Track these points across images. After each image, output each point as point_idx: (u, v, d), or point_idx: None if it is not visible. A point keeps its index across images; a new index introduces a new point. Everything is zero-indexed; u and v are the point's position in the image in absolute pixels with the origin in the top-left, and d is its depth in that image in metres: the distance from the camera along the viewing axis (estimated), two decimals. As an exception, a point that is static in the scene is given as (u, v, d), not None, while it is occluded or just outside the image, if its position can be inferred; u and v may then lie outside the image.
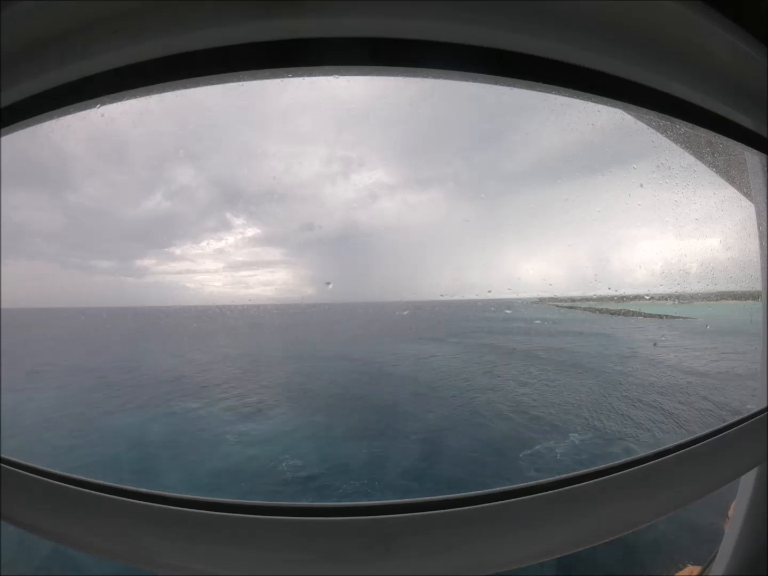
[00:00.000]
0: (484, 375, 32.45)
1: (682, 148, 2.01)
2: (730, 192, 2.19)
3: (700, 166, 2.11)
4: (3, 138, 1.17)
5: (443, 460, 18.27)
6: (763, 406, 1.72)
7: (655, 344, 41.27)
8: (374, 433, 21.32)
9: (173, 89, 1.11)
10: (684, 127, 1.42)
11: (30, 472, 1.14)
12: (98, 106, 1.13)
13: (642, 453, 1.26)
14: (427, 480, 16.07)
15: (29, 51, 0.98)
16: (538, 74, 1.10)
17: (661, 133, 1.76)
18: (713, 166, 2.11)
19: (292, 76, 1.08)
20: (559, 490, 1.10)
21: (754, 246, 1.95)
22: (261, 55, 1.00)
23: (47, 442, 19.71)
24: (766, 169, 1.76)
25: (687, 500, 1.25)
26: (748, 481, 1.84)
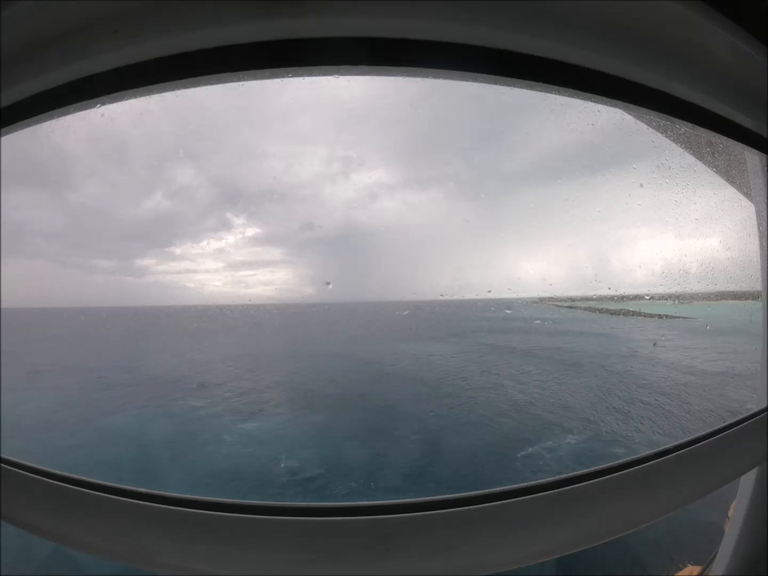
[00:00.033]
0: (482, 374, 32.45)
1: (682, 148, 2.01)
2: (730, 192, 2.19)
3: (700, 166, 2.11)
4: (3, 138, 1.17)
5: (441, 460, 18.28)
6: (763, 406, 1.72)
7: (654, 344, 41.26)
8: (373, 433, 21.33)
9: (173, 89, 1.11)
10: (684, 127, 1.43)
11: (30, 472, 1.14)
12: (98, 106, 1.13)
13: (642, 453, 1.26)
14: (425, 479, 16.08)
15: (29, 51, 0.98)
16: (538, 74, 1.10)
17: (661, 133, 1.76)
18: (713, 166, 2.11)
19: (292, 76, 1.08)
20: (559, 490, 1.10)
21: (754, 246, 1.95)
22: (261, 55, 1.00)
23: (47, 442, 19.70)
24: (766, 169, 1.76)
25: (687, 500, 1.26)
26: (748, 481, 1.84)
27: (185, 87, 1.10)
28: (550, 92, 1.17)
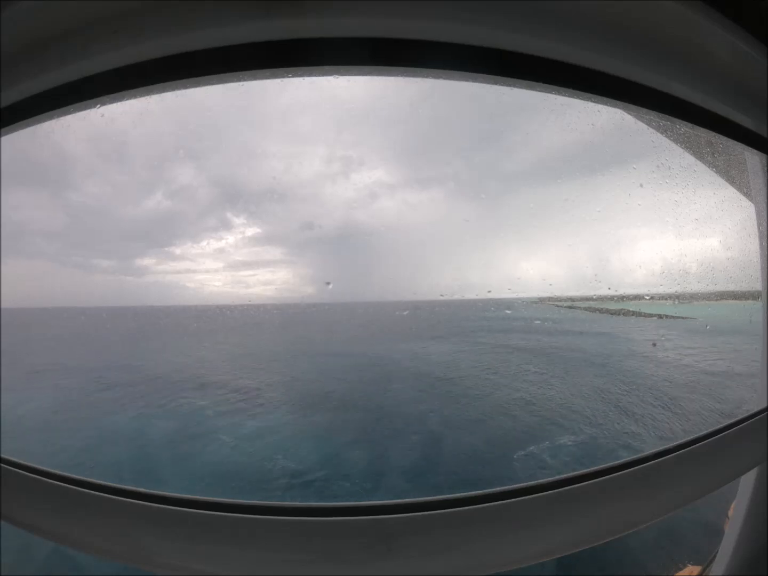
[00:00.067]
0: (482, 374, 32.46)
1: (682, 148, 2.01)
2: (730, 192, 2.19)
3: (700, 166, 2.11)
4: (3, 138, 1.17)
5: (440, 460, 18.27)
6: (763, 406, 1.72)
7: (654, 344, 41.28)
8: (373, 433, 21.32)
9: (173, 89, 1.11)
10: (684, 127, 1.43)
11: (30, 472, 1.14)
12: (98, 106, 1.13)
13: (642, 453, 1.26)
14: (424, 480, 16.07)
15: (29, 51, 0.98)
16: (538, 74, 1.10)
17: (661, 133, 1.76)
18: (713, 166, 2.11)
19: (292, 76, 1.08)
20: (559, 490, 1.10)
21: (754, 246, 1.95)
22: (261, 55, 1.00)
23: (47, 442, 19.71)
24: (766, 169, 1.76)
25: (687, 500, 1.26)
26: (748, 481, 1.84)
27: (185, 87, 1.10)
28: (550, 92, 1.17)
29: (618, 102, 1.22)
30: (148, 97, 1.14)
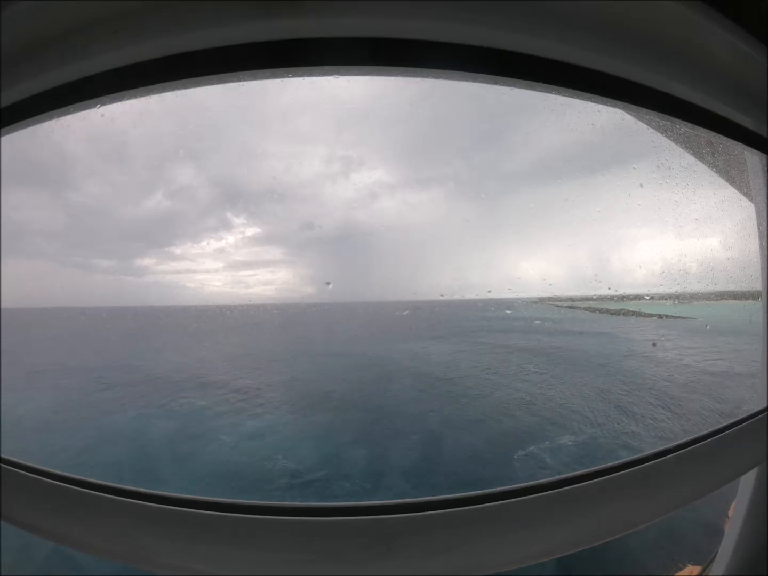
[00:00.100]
0: (482, 373, 32.46)
1: (682, 148, 2.01)
2: (730, 192, 2.19)
3: (700, 166, 2.11)
4: (3, 138, 1.17)
5: (439, 460, 18.27)
6: (763, 406, 1.72)
7: (654, 344, 41.30)
8: (373, 433, 21.32)
9: (173, 89, 1.10)
10: (684, 127, 1.42)
11: (30, 472, 1.14)
12: (98, 106, 1.13)
13: (642, 453, 1.26)
14: (423, 480, 16.07)
15: (29, 51, 0.98)
16: (538, 74, 1.10)
17: (661, 133, 1.76)
18: (713, 166, 2.11)
19: (292, 76, 1.08)
20: (559, 490, 1.10)
21: (754, 246, 1.95)
22: (261, 55, 1.00)
23: (46, 442, 19.71)
24: (766, 169, 1.76)
25: (687, 500, 1.26)
26: (748, 481, 1.84)
27: (185, 87, 1.10)
28: (550, 92, 1.17)
29: (618, 102, 1.22)
30: (148, 97, 1.14)
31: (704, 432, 1.41)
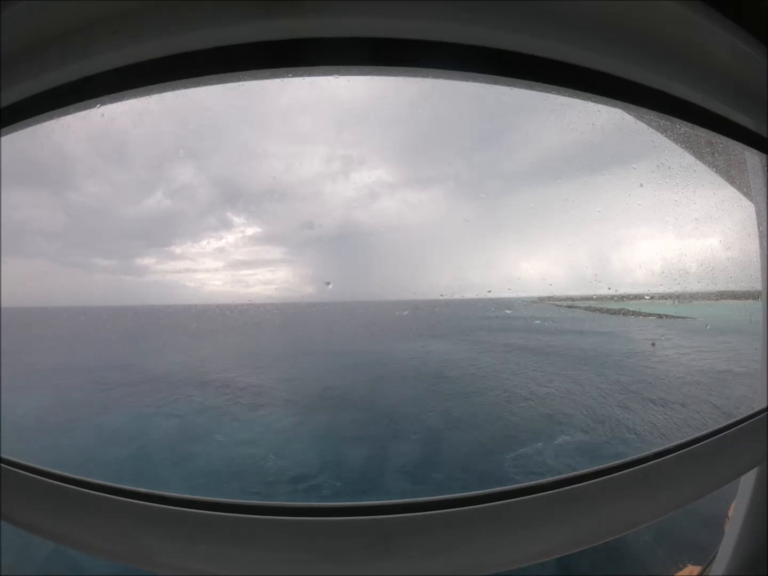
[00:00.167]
0: (481, 372, 32.48)
1: (682, 148, 2.00)
2: (730, 192, 2.19)
3: (700, 166, 2.11)
4: (3, 138, 1.17)
5: (439, 460, 18.27)
6: (763, 406, 1.72)
7: (653, 344, 41.30)
8: (373, 433, 21.32)
9: (173, 89, 1.10)
10: (684, 127, 1.42)
11: (30, 472, 1.14)
12: (98, 106, 1.13)
13: (642, 453, 1.26)
14: (423, 478, 16.07)
15: (29, 51, 0.98)
16: (538, 74, 1.10)
17: (661, 133, 1.76)
18: (713, 166, 2.11)
19: (292, 76, 1.08)
20: (559, 490, 1.10)
21: (754, 246, 1.95)
22: (261, 55, 1.00)
23: (46, 442, 19.71)
24: (766, 169, 1.76)
25: (687, 500, 1.25)
26: (748, 481, 1.84)
27: (185, 87, 1.10)
28: (550, 92, 1.17)
29: (618, 102, 1.22)
30: (148, 97, 1.14)
31: (704, 432, 1.41)
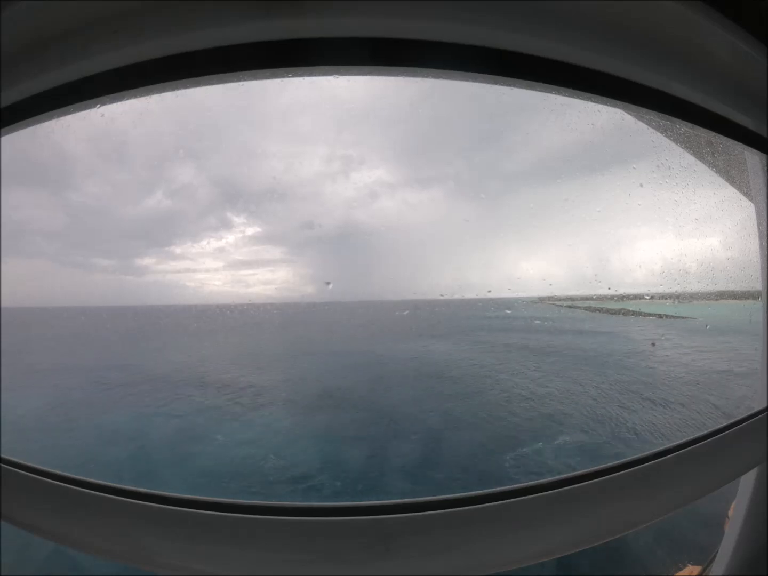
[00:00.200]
0: (481, 371, 32.48)
1: (682, 148, 2.00)
2: (730, 192, 2.18)
3: (700, 166, 2.11)
4: (3, 138, 1.17)
5: (439, 459, 18.27)
6: (763, 406, 1.72)
7: (653, 344, 41.31)
8: (372, 433, 21.32)
9: (173, 89, 1.10)
10: (684, 127, 1.42)
11: (30, 472, 1.14)
12: (98, 106, 1.13)
13: (642, 453, 1.26)
14: (423, 477, 16.07)
15: (29, 51, 0.98)
16: (538, 74, 1.10)
17: (661, 133, 1.76)
18: (713, 166, 2.11)
19: (292, 76, 1.08)
20: (559, 490, 1.10)
21: (754, 246, 1.95)
22: (261, 55, 1.00)
23: (45, 442, 19.71)
24: (766, 169, 1.76)
25: (687, 500, 1.25)
26: (748, 481, 1.84)
27: (185, 87, 1.10)
28: (550, 92, 1.17)
29: (618, 102, 1.22)
30: (148, 97, 1.14)
31: (704, 432, 1.41)
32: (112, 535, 1.05)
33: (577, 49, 1.06)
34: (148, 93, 1.11)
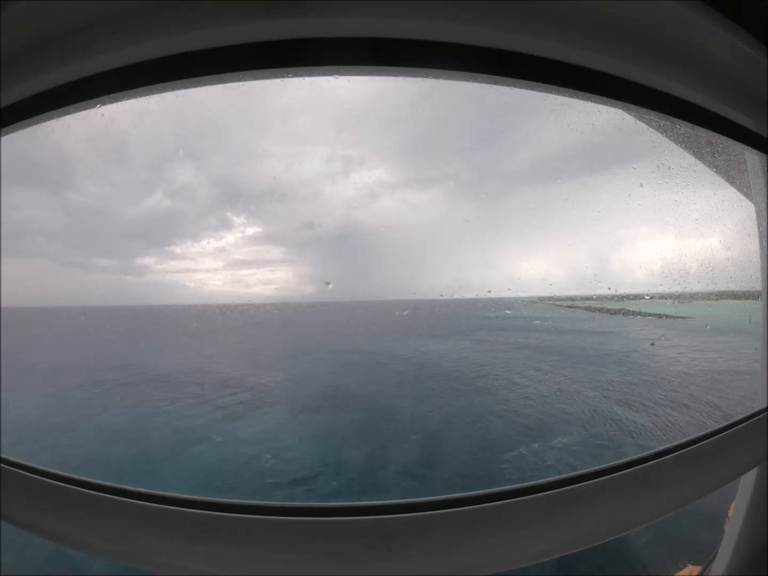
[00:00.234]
0: (481, 371, 32.50)
1: (682, 148, 2.00)
2: (730, 192, 2.19)
3: (700, 166, 2.11)
4: (3, 138, 1.17)
5: (439, 459, 18.28)
6: (763, 406, 1.72)
7: (652, 344, 41.34)
8: (371, 433, 21.34)
9: (173, 89, 1.10)
10: (684, 127, 1.42)
11: (30, 472, 1.14)
12: (98, 106, 1.13)
13: (642, 453, 1.26)
14: (423, 476, 16.08)
15: (29, 51, 0.98)
16: (538, 74, 1.10)
17: (661, 133, 1.76)
18: (713, 166, 2.11)
19: (292, 76, 1.08)
20: (559, 490, 1.10)
21: (754, 246, 1.95)
22: (261, 55, 1.00)
23: (45, 442, 19.72)
24: (766, 169, 1.76)
25: (687, 500, 1.25)
26: (748, 481, 1.84)
27: (185, 87, 1.10)
28: (550, 92, 1.17)
29: (618, 102, 1.22)
30: (148, 97, 1.14)
31: (704, 432, 1.41)
32: (112, 535, 1.05)
33: (577, 49, 1.06)
34: (148, 93, 1.12)
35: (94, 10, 0.92)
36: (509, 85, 1.15)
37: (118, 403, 26.59)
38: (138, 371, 35.01)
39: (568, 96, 1.19)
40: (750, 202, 1.96)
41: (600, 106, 1.26)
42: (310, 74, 1.09)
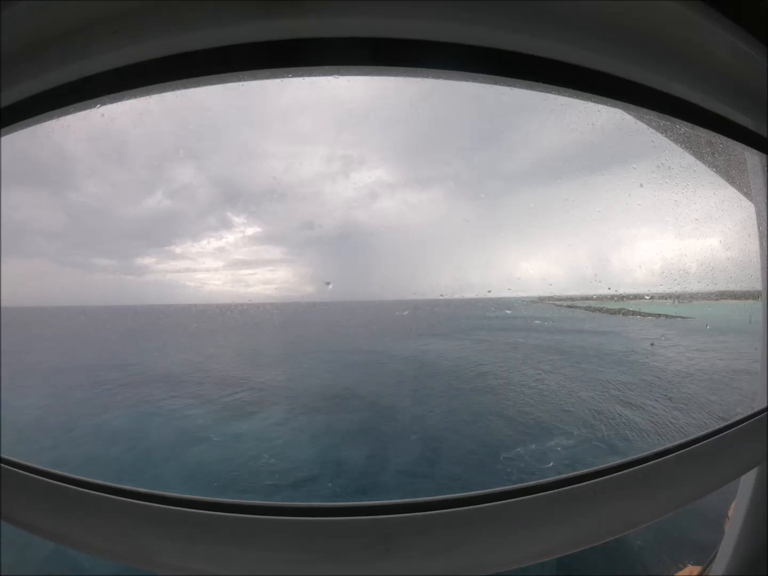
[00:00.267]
0: (481, 369, 32.51)
1: (682, 148, 2.00)
2: (730, 192, 2.19)
3: (700, 166, 2.11)
4: (3, 138, 1.17)
5: (440, 459, 18.29)
6: (763, 406, 1.72)
7: (652, 343, 41.34)
8: (372, 431, 21.35)
9: (173, 89, 1.10)
10: (684, 127, 1.42)
11: (30, 472, 1.14)
12: (98, 106, 1.13)
13: (642, 453, 1.26)
14: (420, 476, 16.09)
15: (29, 51, 0.98)
16: (538, 74, 1.10)
17: (661, 133, 1.76)
18: (713, 166, 2.11)
19: (292, 76, 1.08)
20: (559, 490, 1.10)
21: (754, 246, 1.95)
22: (261, 55, 1.00)
23: (44, 442, 19.73)
24: (766, 169, 1.76)
25: (687, 500, 1.25)
26: (748, 481, 1.84)
27: (185, 87, 1.10)
28: (550, 92, 1.17)
29: (618, 102, 1.22)
30: (148, 97, 1.14)
31: (704, 432, 1.41)
32: (112, 535, 1.05)
33: (577, 49, 1.06)
34: (148, 93, 1.12)
35: (94, 10, 0.92)
36: (509, 85, 1.15)
37: (118, 403, 26.58)
38: (138, 371, 35.01)
39: (568, 96, 1.19)
40: (750, 202, 1.96)
41: (600, 106, 1.26)
42: (310, 74, 1.09)
